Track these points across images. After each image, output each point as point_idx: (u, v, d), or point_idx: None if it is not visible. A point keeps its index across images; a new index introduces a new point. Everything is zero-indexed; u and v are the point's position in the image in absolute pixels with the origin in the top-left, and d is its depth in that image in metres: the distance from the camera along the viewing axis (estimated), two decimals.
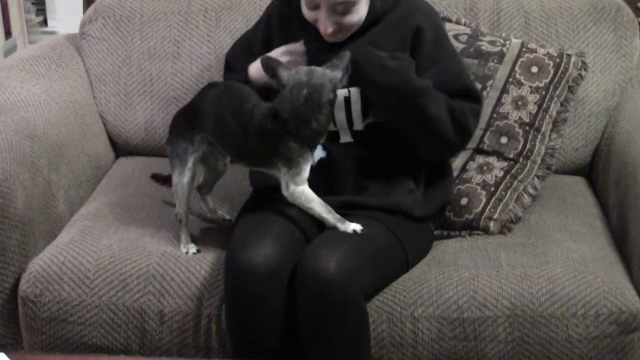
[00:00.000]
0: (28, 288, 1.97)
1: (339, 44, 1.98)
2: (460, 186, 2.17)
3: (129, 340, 1.97)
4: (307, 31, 2.01)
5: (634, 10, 2.57)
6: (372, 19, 1.99)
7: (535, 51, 2.30)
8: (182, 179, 2.00)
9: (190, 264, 1.98)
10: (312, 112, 1.81)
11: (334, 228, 1.89)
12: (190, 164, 1.99)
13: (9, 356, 1.62)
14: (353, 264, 1.79)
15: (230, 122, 1.90)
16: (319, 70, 1.83)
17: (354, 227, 1.88)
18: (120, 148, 2.56)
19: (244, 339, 1.85)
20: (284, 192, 1.88)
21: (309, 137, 1.83)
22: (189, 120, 2.00)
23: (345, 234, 1.87)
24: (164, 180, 2.21)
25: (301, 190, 1.87)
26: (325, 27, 1.94)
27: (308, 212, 1.90)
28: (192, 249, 2.02)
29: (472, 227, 2.12)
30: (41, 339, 1.98)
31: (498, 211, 2.13)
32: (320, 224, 1.93)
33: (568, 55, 2.30)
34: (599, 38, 2.39)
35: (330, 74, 1.82)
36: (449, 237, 2.14)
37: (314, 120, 1.81)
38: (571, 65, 2.29)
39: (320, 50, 1.98)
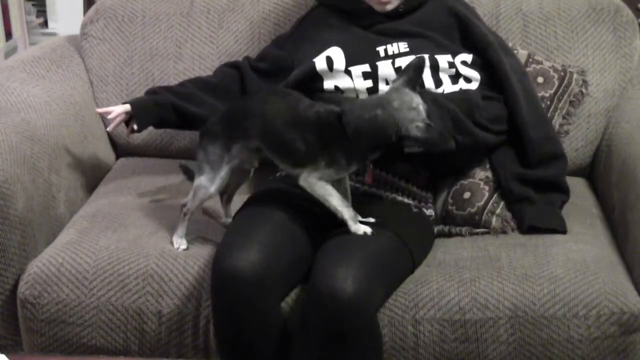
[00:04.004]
0: (27, 290, 1.97)
1: (376, 26, 2.14)
2: (463, 181, 2.17)
3: (128, 341, 1.96)
4: (360, 17, 2.16)
5: (634, 11, 2.57)
6: (418, 3, 2.17)
7: (541, 63, 2.32)
8: (210, 186, 1.96)
9: (188, 264, 1.97)
10: (369, 132, 1.80)
11: (340, 228, 1.88)
12: (223, 173, 1.96)
13: (9, 358, 1.62)
14: (368, 282, 1.77)
15: (284, 123, 1.89)
16: (407, 104, 1.80)
17: (364, 229, 1.87)
18: (121, 149, 2.56)
19: (231, 344, 1.85)
20: (303, 183, 1.87)
21: (358, 151, 1.85)
22: (229, 128, 1.96)
23: (352, 245, 1.85)
24: (190, 175, 2.13)
25: (322, 185, 1.87)
26: None
27: (324, 203, 1.88)
28: (183, 245, 2.01)
29: (475, 220, 2.12)
30: (40, 341, 1.98)
31: (500, 206, 2.13)
32: (311, 229, 1.93)
33: (570, 72, 2.32)
34: (598, 39, 2.39)
35: (415, 119, 1.79)
36: (450, 234, 2.13)
37: (363, 139, 1.81)
38: (573, 81, 2.31)
39: (375, 33, 2.14)
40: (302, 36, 2.23)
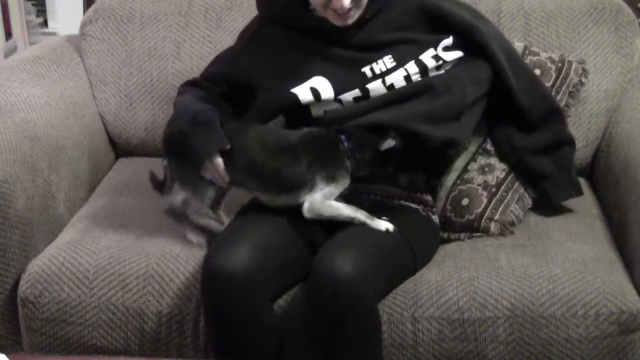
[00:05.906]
0: (27, 289, 1.98)
1: (349, 40, 2.04)
2: (461, 187, 2.16)
3: (129, 340, 1.97)
4: (316, 35, 2.06)
5: (635, 10, 2.57)
6: (382, 5, 2.05)
7: (537, 54, 2.30)
8: (203, 204, 1.96)
9: (189, 264, 1.98)
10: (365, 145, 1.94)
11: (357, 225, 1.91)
12: (211, 198, 1.96)
13: (9, 357, 1.62)
14: (368, 266, 1.78)
15: (271, 151, 1.92)
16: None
17: (386, 225, 1.89)
18: (121, 149, 2.56)
19: (221, 345, 1.85)
20: (308, 214, 1.90)
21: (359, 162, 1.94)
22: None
23: (356, 236, 1.87)
24: (158, 185, 2.07)
25: (327, 205, 1.90)
26: (342, 2, 1.94)
27: (337, 220, 1.91)
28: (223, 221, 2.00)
29: (473, 227, 2.12)
30: (41, 340, 1.98)
31: (499, 212, 2.13)
32: (314, 232, 1.94)
33: (569, 61, 2.31)
34: (600, 39, 2.39)
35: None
36: (449, 240, 2.13)
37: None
38: (572, 71, 2.30)
39: (354, 50, 2.05)
40: (258, 57, 2.10)
